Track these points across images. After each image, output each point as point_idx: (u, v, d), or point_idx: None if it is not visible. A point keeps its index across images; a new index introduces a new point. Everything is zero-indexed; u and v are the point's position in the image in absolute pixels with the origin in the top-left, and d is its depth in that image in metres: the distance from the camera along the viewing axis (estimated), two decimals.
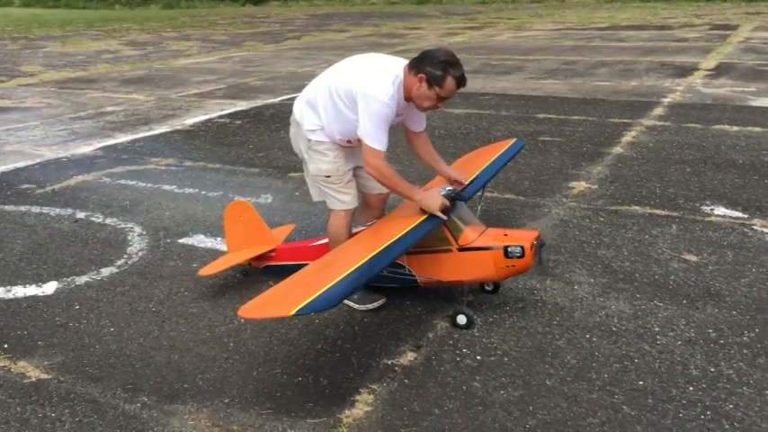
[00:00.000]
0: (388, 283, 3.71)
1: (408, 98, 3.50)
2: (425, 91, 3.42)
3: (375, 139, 3.42)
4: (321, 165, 3.72)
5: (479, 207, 4.32)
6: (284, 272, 3.50)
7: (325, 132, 3.65)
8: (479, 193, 4.23)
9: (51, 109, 10.09)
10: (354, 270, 3.02)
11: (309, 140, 3.70)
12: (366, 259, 3.11)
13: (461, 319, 3.55)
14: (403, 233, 3.36)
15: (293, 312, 2.74)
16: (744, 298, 3.81)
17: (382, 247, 3.22)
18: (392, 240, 3.29)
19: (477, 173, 4.21)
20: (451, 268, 3.57)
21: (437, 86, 3.40)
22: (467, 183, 3.88)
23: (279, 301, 2.95)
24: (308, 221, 5.10)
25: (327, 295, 2.82)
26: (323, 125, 3.64)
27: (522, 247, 3.45)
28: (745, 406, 2.89)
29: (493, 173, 4.32)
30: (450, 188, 3.66)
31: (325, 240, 3.92)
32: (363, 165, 3.59)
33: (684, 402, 2.92)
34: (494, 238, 3.54)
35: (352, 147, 3.69)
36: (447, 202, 3.52)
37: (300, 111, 3.74)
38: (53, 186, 6.25)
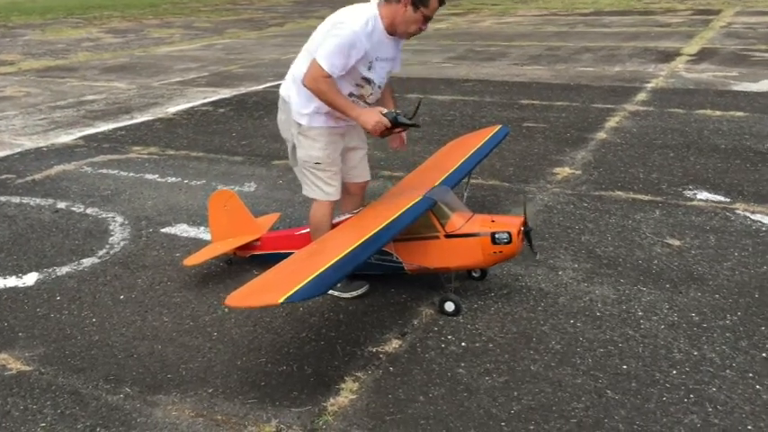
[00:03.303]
0: (375, 270, 3.69)
1: (392, 30, 3.48)
2: (411, 14, 3.42)
3: (327, 58, 3.33)
4: (312, 151, 3.66)
5: (465, 194, 4.32)
6: (270, 261, 3.48)
7: (318, 112, 3.58)
8: (465, 180, 4.22)
9: (31, 98, 9.96)
10: (342, 257, 3.00)
11: (300, 125, 3.63)
12: (353, 247, 3.09)
13: (449, 306, 3.54)
14: (390, 220, 3.33)
15: (281, 300, 2.73)
16: (726, 281, 3.83)
17: (370, 234, 3.20)
18: (379, 227, 3.26)
19: (463, 159, 4.19)
20: (439, 255, 3.56)
21: (422, 6, 3.41)
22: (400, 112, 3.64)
23: (266, 290, 2.93)
24: (292, 209, 5.07)
25: (315, 282, 2.80)
26: (316, 104, 3.55)
27: (509, 233, 3.44)
28: (728, 389, 2.91)
29: (478, 159, 4.30)
30: (390, 111, 3.52)
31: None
32: (353, 145, 3.58)
33: (668, 386, 2.94)
34: (481, 224, 3.53)
35: (342, 128, 3.65)
36: (386, 121, 3.43)
37: (288, 90, 3.67)
38: (33, 176, 6.18)
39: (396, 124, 3.47)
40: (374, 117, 3.44)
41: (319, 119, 3.61)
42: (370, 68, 3.51)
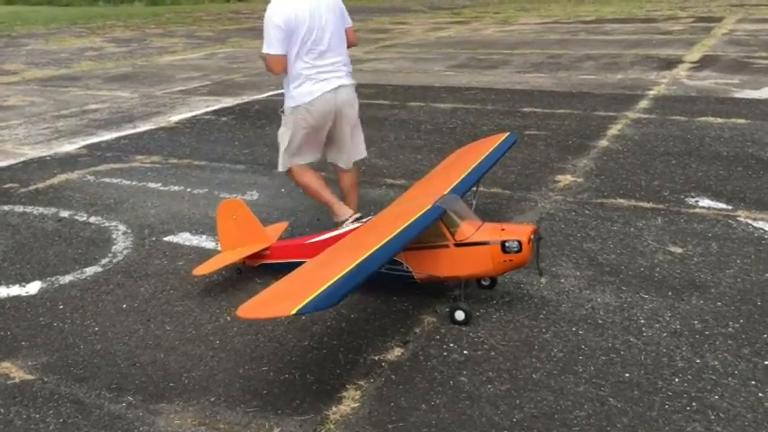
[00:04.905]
0: (385, 280, 3.64)
1: None
2: None
3: None
4: None
5: (474, 202, 4.32)
6: (279, 270, 3.48)
7: None
8: (474, 188, 4.22)
9: (34, 107, 10.00)
10: (353, 268, 2.97)
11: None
12: (365, 257, 3.07)
13: (459, 315, 3.52)
14: (400, 229, 3.32)
15: (294, 312, 2.71)
16: (728, 289, 3.83)
17: (380, 244, 3.18)
18: (390, 237, 3.25)
19: (472, 167, 4.19)
20: (449, 264, 3.54)
21: None
22: None
23: (278, 300, 2.92)
24: (295, 218, 5.08)
25: (327, 294, 2.78)
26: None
27: (519, 242, 3.43)
28: (730, 396, 2.91)
29: (487, 167, 4.31)
30: None
31: (320, 238, 3.91)
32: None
33: (670, 394, 2.94)
34: (491, 232, 3.52)
35: None
36: None
37: (348, 70, 4.57)
38: (36, 185, 6.20)
39: None
40: None
41: None
42: None
